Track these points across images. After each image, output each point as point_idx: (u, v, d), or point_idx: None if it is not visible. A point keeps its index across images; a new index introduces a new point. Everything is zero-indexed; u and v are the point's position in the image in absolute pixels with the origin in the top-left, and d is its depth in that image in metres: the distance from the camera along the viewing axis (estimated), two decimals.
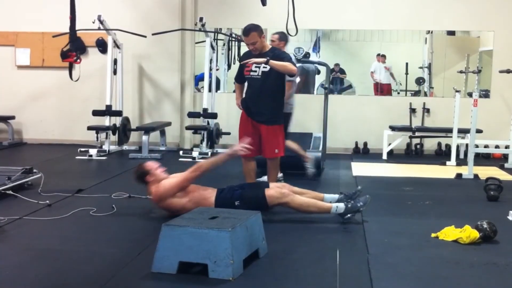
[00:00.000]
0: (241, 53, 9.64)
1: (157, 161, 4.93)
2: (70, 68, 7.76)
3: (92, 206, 4.96)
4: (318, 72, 9.75)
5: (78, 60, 7.70)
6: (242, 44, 9.53)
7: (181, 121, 9.17)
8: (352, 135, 9.08)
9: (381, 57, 9.82)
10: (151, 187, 4.68)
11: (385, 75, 9.89)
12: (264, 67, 5.15)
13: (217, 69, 9.24)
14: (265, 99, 5.25)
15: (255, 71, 5.23)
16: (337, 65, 10.03)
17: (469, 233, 4.07)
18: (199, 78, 9.36)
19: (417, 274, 3.47)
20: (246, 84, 5.50)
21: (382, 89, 9.85)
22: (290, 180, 5.78)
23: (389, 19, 9.03)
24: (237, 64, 9.63)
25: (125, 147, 8.80)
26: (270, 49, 5.30)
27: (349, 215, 4.64)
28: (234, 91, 9.52)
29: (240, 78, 5.53)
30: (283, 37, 6.10)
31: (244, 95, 5.53)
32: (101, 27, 8.24)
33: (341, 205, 4.65)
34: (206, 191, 4.71)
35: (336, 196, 4.89)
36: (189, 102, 9.23)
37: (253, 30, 5.16)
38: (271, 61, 5.03)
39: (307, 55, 9.94)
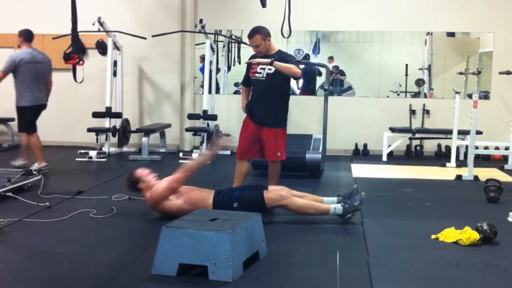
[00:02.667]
0: (241, 55, 9.68)
1: (146, 168, 4.95)
2: (74, 70, 7.75)
3: (92, 208, 4.96)
4: (319, 73, 9.76)
5: (81, 62, 7.70)
6: (242, 46, 9.54)
7: (181, 123, 9.16)
8: (352, 136, 9.07)
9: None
10: (145, 193, 4.71)
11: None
12: (269, 69, 5.14)
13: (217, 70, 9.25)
14: (269, 101, 5.23)
15: (260, 73, 5.21)
16: (336, 67, 10.03)
17: (469, 234, 4.07)
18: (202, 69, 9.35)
19: (417, 276, 3.47)
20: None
21: None
22: (289, 181, 5.78)
23: (389, 20, 9.02)
24: (237, 66, 9.67)
25: (125, 149, 8.80)
26: (277, 51, 5.26)
27: (349, 215, 4.65)
28: (234, 93, 9.58)
29: (246, 81, 5.50)
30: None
31: (249, 99, 5.50)
32: (101, 29, 8.25)
33: (339, 206, 4.66)
34: (202, 193, 4.72)
35: (335, 198, 4.89)
36: (189, 104, 9.22)
37: (257, 32, 5.15)
38: (276, 63, 5.03)
39: (307, 56, 9.97)
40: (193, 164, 4.78)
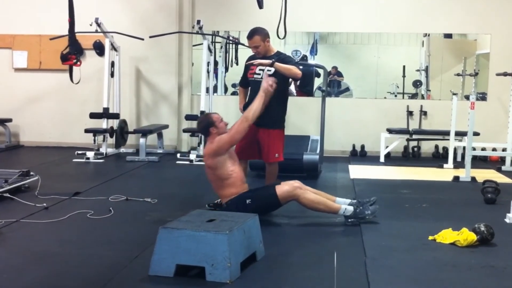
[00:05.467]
0: (239, 56, 9.68)
1: (218, 114, 4.85)
2: (71, 71, 7.74)
3: (89, 209, 4.95)
4: (318, 75, 9.77)
5: (78, 63, 7.69)
6: (240, 46, 9.54)
7: (179, 124, 9.16)
8: (350, 137, 9.08)
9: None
10: (212, 139, 4.64)
11: None
12: (268, 70, 5.13)
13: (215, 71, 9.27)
14: (268, 102, 5.22)
15: (259, 74, 5.20)
16: (334, 68, 10.04)
17: (466, 235, 4.07)
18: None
19: (414, 277, 3.47)
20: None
21: None
22: None
23: (386, 22, 9.04)
24: (235, 66, 9.68)
25: (122, 149, 8.78)
26: (276, 53, 5.26)
27: (353, 220, 4.64)
28: (231, 94, 9.59)
29: (244, 82, 5.49)
30: None
31: (247, 100, 5.49)
32: (99, 30, 8.24)
33: (350, 208, 4.66)
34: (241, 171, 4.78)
35: (348, 200, 4.89)
36: (186, 105, 9.22)
37: (256, 33, 5.14)
38: (277, 64, 5.02)
39: (304, 57, 9.97)
40: (250, 112, 4.69)
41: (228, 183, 4.60)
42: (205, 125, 4.72)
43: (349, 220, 4.65)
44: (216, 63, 9.48)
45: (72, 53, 7.49)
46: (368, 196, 5.19)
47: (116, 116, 8.52)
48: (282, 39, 5.82)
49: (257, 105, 4.74)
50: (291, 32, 5.96)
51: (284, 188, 4.62)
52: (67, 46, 7.45)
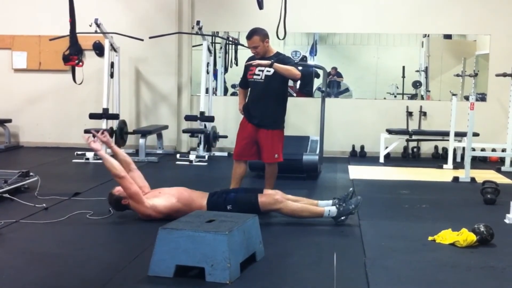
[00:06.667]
0: (238, 57, 9.68)
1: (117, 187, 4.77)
2: (73, 72, 7.73)
3: (89, 210, 4.95)
4: (317, 75, 9.77)
5: (80, 63, 7.68)
6: (239, 47, 9.54)
7: (178, 124, 9.16)
8: (349, 138, 9.08)
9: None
10: (133, 207, 4.61)
11: None
12: (267, 70, 5.12)
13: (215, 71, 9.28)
14: (268, 103, 5.22)
15: (258, 75, 5.20)
16: (334, 68, 10.04)
17: (466, 236, 4.07)
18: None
19: (414, 278, 3.47)
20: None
21: None
22: (286, 183, 5.78)
23: (386, 22, 9.04)
24: (234, 67, 9.68)
25: (121, 150, 8.75)
26: (275, 53, 5.25)
27: (342, 218, 4.65)
28: (231, 94, 9.59)
29: (244, 82, 5.49)
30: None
31: (246, 100, 5.49)
32: (98, 31, 8.22)
33: (333, 209, 4.66)
34: (195, 193, 4.72)
35: (330, 201, 4.88)
36: (186, 105, 9.22)
37: (255, 34, 5.14)
38: (276, 64, 5.01)
39: (304, 58, 9.98)
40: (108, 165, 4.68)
41: (178, 206, 4.55)
42: (115, 203, 4.69)
43: (339, 219, 4.65)
44: (215, 64, 9.48)
45: (74, 53, 7.48)
46: (369, 196, 5.19)
47: (115, 116, 8.51)
48: (282, 39, 5.82)
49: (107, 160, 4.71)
50: (290, 33, 5.96)
51: (266, 201, 4.63)
52: (68, 47, 7.45)
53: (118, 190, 4.68)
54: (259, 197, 4.63)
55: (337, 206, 4.67)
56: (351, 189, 5.01)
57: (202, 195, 4.71)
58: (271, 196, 4.67)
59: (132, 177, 4.69)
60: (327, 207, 4.70)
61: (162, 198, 4.61)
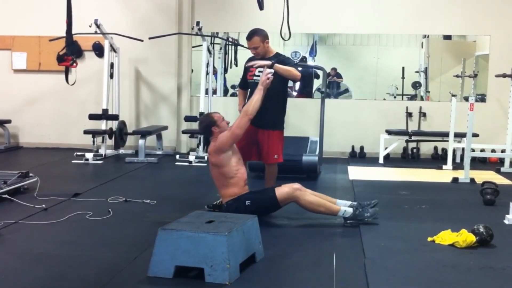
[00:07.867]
0: (238, 58, 9.67)
1: (219, 113, 4.84)
2: (66, 72, 7.75)
3: (88, 210, 4.95)
4: (317, 76, 9.77)
5: (74, 64, 7.69)
6: (239, 48, 9.54)
7: (178, 125, 9.16)
8: (349, 139, 9.09)
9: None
10: (213, 139, 4.65)
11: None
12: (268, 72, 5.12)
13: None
14: (268, 104, 5.20)
15: (259, 76, 5.19)
16: (334, 69, 10.04)
17: (465, 237, 4.07)
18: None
19: (413, 278, 3.47)
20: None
21: None
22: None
23: (386, 23, 9.05)
24: (234, 68, 9.68)
25: (121, 151, 8.78)
26: (275, 54, 5.25)
27: (352, 221, 4.65)
28: (231, 95, 9.59)
29: (244, 84, 5.48)
30: None
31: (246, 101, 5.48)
32: (98, 31, 8.24)
33: (350, 210, 4.66)
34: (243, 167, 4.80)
35: (349, 202, 4.89)
36: (185, 106, 9.23)
37: (255, 34, 5.13)
38: (276, 65, 5.00)
39: (303, 59, 9.97)
40: (250, 106, 4.71)
41: (232, 182, 4.62)
42: (206, 124, 4.72)
43: (348, 221, 4.66)
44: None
45: (69, 54, 7.49)
46: (368, 197, 5.19)
47: (115, 117, 8.52)
48: (287, 40, 5.81)
49: (256, 98, 4.75)
50: (288, 34, 5.95)
51: (283, 190, 4.62)
52: (63, 47, 7.46)
53: (218, 116, 4.72)
54: (277, 190, 4.63)
55: (354, 208, 4.68)
56: (375, 200, 4.99)
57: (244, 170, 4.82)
58: (288, 185, 4.66)
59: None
60: (343, 207, 4.71)
61: (234, 157, 4.68)
